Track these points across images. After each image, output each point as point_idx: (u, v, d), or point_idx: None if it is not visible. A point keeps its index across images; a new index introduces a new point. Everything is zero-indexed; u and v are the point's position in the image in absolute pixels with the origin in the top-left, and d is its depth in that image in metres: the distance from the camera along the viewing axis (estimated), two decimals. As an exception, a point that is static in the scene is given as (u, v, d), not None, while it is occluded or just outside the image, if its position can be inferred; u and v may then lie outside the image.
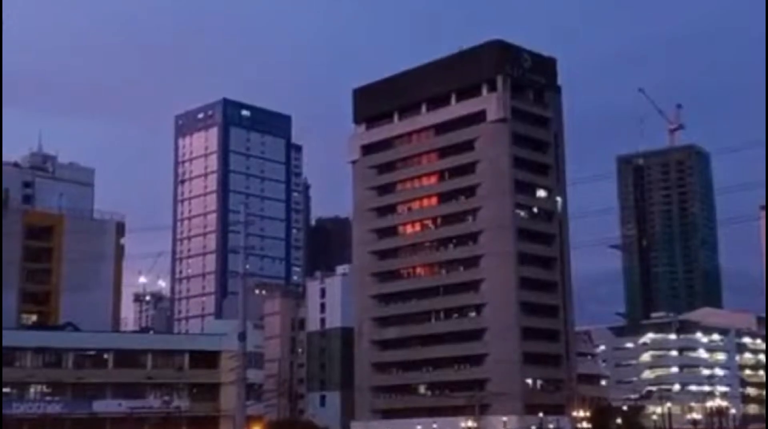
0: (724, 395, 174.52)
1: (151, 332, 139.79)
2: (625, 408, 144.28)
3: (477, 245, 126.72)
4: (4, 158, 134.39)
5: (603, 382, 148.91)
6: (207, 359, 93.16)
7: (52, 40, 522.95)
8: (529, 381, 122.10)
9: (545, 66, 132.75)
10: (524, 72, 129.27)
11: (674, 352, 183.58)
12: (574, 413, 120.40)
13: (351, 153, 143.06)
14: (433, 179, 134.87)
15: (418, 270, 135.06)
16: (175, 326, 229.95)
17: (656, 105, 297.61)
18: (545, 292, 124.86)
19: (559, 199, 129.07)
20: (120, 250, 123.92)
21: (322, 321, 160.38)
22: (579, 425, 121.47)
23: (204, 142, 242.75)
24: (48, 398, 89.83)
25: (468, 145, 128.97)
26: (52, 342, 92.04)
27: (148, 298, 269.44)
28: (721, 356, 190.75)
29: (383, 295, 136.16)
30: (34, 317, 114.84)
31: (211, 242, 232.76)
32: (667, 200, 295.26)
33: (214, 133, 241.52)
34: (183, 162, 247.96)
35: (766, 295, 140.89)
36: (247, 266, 53.46)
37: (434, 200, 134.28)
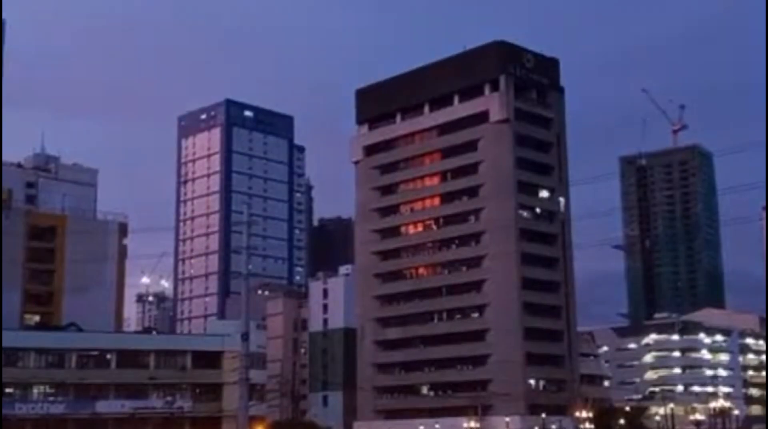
0: (727, 396, 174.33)
1: (154, 332, 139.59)
2: (627, 409, 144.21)
3: (479, 246, 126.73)
4: (7, 159, 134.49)
5: (606, 383, 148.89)
6: (210, 359, 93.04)
7: (55, 41, 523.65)
8: (532, 381, 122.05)
9: (548, 66, 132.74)
10: (527, 72, 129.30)
11: (677, 353, 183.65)
12: (577, 414, 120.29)
13: (354, 153, 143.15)
14: (436, 180, 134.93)
15: (421, 270, 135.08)
16: (178, 326, 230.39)
17: (659, 105, 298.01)
18: (548, 293, 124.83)
19: (561, 199, 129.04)
20: (123, 251, 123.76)
21: (325, 321, 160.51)
22: (582, 426, 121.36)
23: (207, 143, 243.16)
24: (51, 399, 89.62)
25: (471, 146, 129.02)
26: (55, 342, 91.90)
27: (150, 298, 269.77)
28: (724, 357, 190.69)
29: (386, 296, 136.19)
30: (37, 318, 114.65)
31: (214, 243, 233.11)
32: (670, 201, 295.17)
33: (216, 133, 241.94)
34: (186, 162, 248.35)
35: (766, 296, 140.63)
36: (250, 267, 53.46)
37: (437, 201, 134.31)
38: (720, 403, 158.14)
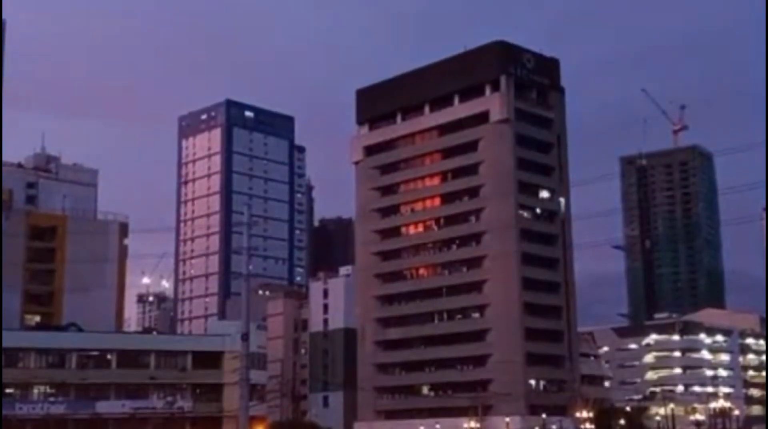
0: (727, 396, 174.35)
1: (155, 333, 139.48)
2: (628, 409, 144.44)
3: (480, 246, 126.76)
4: (8, 159, 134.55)
5: (606, 383, 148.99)
6: (210, 360, 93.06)
7: (56, 42, 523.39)
8: (532, 382, 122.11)
9: (548, 66, 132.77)
10: (527, 73, 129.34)
11: (677, 353, 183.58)
12: (577, 414, 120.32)
13: (354, 154, 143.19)
14: (436, 180, 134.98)
15: (421, 271, 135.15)
16: (179, 327, 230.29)
17: (659, 105, 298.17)
18: (548, 293, 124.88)
19: (562, 199, 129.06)
20: (123, 251, 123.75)
21: (325, 322, 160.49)
22: (582, 426, 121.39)
23: (207, 143, 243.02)
24: (51, 399, 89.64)
25: (471, 146, 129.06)
26: (55, 343, 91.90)
27: (151, 298, 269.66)
28: (724, 357, 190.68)
29: (386, 296, 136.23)
30: (37, 318, 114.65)
31: (215, 243, 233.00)
32: (671, 201, 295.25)
33: (217, 134, 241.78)
34: (186, 163, 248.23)
35: (766, 296, 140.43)
36: (250, 267, 53.41)
37: (437, 201, 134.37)
38: (720, 404, 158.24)
